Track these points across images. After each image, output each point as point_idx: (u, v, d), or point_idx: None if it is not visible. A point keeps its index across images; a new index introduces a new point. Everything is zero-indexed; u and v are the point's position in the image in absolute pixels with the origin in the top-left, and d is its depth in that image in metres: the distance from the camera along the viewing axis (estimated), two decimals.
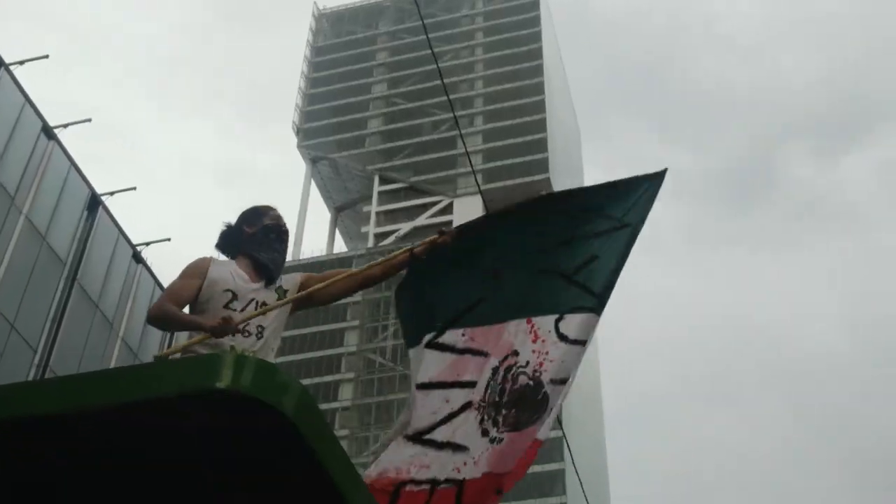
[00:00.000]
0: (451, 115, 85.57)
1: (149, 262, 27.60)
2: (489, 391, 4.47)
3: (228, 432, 2.01)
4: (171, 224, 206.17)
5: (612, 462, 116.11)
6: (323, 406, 68.95)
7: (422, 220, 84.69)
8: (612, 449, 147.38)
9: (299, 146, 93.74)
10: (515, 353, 4.54)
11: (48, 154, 23.70)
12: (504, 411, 4.42)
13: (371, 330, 77.64)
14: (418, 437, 4.37)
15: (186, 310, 3.93)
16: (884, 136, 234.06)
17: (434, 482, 4.27)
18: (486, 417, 4.42)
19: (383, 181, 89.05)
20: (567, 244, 4.76)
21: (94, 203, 25.44)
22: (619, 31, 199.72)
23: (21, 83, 23.09)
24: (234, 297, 3.92)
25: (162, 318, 3.92)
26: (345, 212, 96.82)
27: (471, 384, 4.50)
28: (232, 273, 4.00)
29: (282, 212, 4.31)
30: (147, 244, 28.17)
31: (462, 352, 4.57)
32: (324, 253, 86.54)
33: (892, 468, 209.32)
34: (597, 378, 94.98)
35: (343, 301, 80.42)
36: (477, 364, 4.54)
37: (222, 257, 4.15)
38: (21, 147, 22.67)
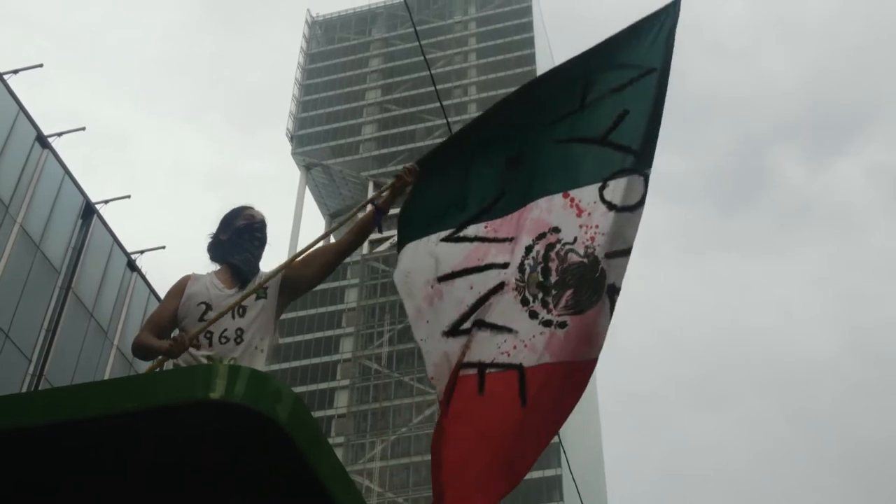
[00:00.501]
0: (445, 120, 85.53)
1: (144, 271, 27.59)
2: (527, 271, 4.17)
3: (222, 442, 2.02)
4: (167, 232, 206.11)
5: (606, 462, 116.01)
6: (318, 413, 68.76)
7: None
8: (606, 449, 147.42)
9: (293, 153, 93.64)
10: (556, 230, 4.19)
11: (42, 163, 23.69)
12: (555, 292, 4.08)
13: (366, 336, 77.52)
14: (455, 331, 4.14)
15: (176, 332, 3.90)
16: (873, 140, 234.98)
17: (480, 365, 4.04)
18: (531, 299, 4.10)
19: (377, 187, 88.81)
20: (589, 108, 4.37)
21: (89, 211, 25.42)
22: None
23: (15, 92, 23.09)
24: (208, 307, 3.87)
25: (138, 349, 3.88)
26: (339, 218, 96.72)
27: (502, 266, 4.21)
28: (208, 284, 3.97)
29: (259, 208, 4.20)
30: (142, 252, 28.16)
31: (482, 240, 4.29)
32: None
33: (883, 470, 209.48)
34: (594, 383, 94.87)
35: (338, 308, 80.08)
36: (501, 248, 4.26)
37: (216, 268, 4.13)
38: (15, 156, 22.65)
